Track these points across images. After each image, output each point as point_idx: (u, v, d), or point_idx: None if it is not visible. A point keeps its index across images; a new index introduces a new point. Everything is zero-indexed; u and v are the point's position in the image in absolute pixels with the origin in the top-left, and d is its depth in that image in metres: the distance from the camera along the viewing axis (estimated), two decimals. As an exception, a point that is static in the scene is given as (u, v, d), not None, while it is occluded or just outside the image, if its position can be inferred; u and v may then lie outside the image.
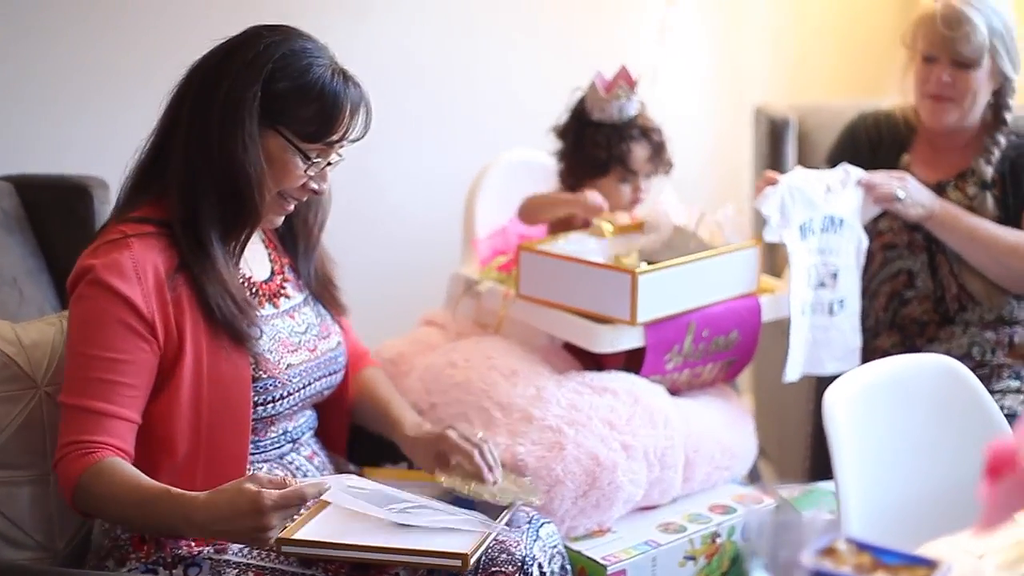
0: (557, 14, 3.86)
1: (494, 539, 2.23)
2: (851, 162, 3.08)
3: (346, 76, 2.26)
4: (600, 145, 2.96)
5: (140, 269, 2.17)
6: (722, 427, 2.81)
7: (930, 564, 1.44)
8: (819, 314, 2.98)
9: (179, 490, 2.08)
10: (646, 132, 2.97)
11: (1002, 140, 3.11)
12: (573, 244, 2.85)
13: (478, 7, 3.74)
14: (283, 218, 2.35)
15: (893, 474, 2.13)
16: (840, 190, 2.97)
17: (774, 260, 3.37)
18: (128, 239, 2.18)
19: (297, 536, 2.15)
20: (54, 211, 2.78)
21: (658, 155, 2.99)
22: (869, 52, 4.32)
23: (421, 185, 3.64)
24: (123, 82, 3.15)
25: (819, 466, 3.27)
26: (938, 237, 3.06)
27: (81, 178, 2.81)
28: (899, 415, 2.18)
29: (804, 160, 3.62)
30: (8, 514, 2.34)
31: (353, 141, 2.29)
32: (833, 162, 3.19)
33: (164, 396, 2.22)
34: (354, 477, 2.25)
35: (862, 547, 1.47)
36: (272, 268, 2.42)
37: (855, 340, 3.03)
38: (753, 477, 2.99)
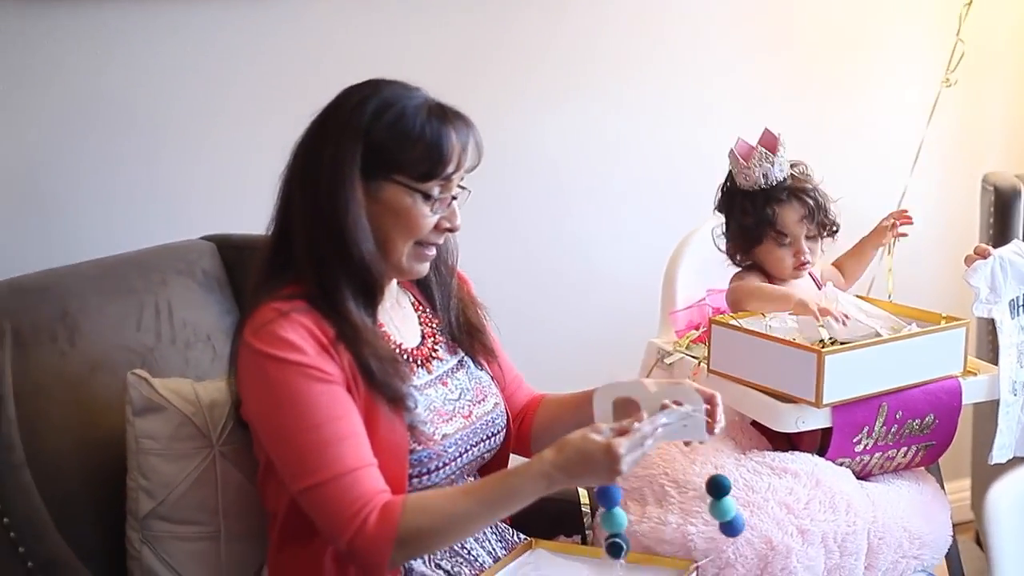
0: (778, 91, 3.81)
1: None
2: None
3: (443, 109, 2.25)
4: (748, 212, 2.89)
5: (306, 339, 2.18)
6: (913, 514, 2.70)
7: None
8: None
9: (511, 468, 2.19)
10: (795, 192, 2.87)
11: None
12: (775, 321, 2.79)
13: (694, 81, 3.72)
14: (427, 266, 2.33)
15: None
16: None
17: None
18: (287, 315, 2.19)
19: None
20: (251, 270, 2.85)
21: (813, 215, 2.88)
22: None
23: (624, 254, 3.63)
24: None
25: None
26: None
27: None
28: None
29: (1032, 231, 3.50)
30: (178, 568, 2.42)
31: (469, 171, 2.27)
32: None
33: None
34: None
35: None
36: (422, 332, 2.42)
37: None
38: (953, 568, 2.87)
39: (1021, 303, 2.81)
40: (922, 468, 2.85)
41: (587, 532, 2.65)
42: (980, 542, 3.76)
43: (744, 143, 2.88)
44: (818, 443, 2.73)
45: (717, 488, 2.23)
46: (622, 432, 2.10)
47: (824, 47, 3.86)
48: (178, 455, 2.42)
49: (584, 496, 2.69)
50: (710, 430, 2.25)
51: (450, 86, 2.32)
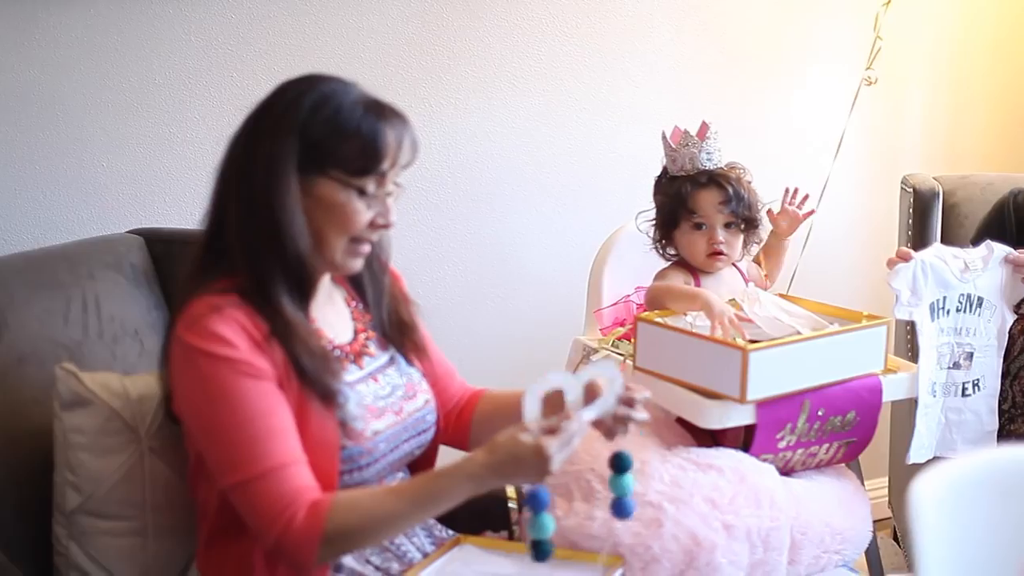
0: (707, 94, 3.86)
1: None
2: (996, 239, 3.01)
3: (380, 105, 2.24)
4: (668, 194, 2.94)
5: (238, 333, 2.18)
6: (834, 509, 2.74)
7: None
8: (952, 396, 2.92)
9: (441, 468, 2.18)
10: (716, 178, 2.92)
11: None
12: (700, 319, 2.82)
13: (620, 81, 3.75)
14: (362, 261, 2.32)
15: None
16: (982, 268, 2.90)
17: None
18: (220, 309, 2.18)
19: None
20: (180, 264, 2.85)
21: (730, 203, 2.92)
22: (1019, 128, 4.25)
23: (551, 251, 3.65)
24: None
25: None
26: None
27: (207, 232, 2.88)
28: (991, 513, 2.07)
29: (949, 232, 3.56)
30: (105, 564, 2.41)
31: (404, 167, 2.27)
32: (979, 238, 3.12)
33: None
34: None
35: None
36: (355, 327, 2.41)
37: (991, 423, 2.95)
38: (872, 563, 2.92)
39: (941, 306, 2.87)
40: (843, 464, 2.90)
41: (514, 528, 2.67)
42: (897, 538, 3.82)
43: (677, 129, 2.94)
44: (741, 439, 2.77)
45: (619, 463, 2.24)
46: (551, 431, 2.12)
47: (749, 47, 3.90)
48: (106, 449, 2.41)
49: (511, 492, 2.71)
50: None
51: (376, 82, 2.32)
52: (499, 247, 3.61)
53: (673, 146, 2.93)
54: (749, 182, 2.97)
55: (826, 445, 2.78)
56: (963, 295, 2.89)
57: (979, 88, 4.25)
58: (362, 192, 2.22)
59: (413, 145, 2.26)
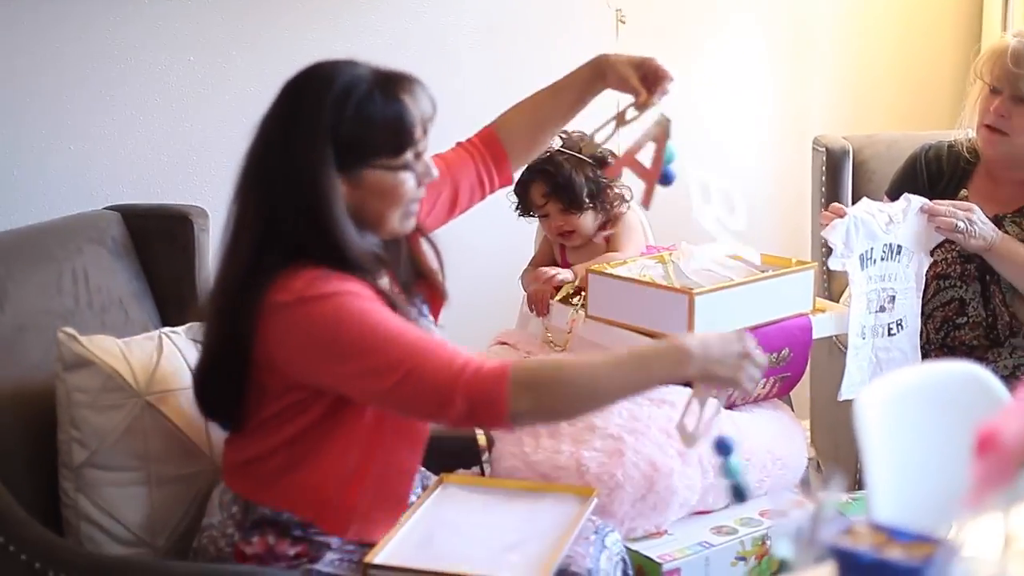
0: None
1: (566, 555, 2.39)
2: (910, 191, 3.23)
3: (390, 80, 2.31)
4: (515, 190, 3.21)
5: (350, 280, 2.26)
6: (774, 438, 2.99)
7: (938, 541, 1.59)
8: (880, 336, 3.14)
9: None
10: (538, 170, 3.14)
11: None
12: (650, 269, 3.04)
13: (528, 70, 3.92)
14: (415, 218, 2.40)
15: (921, 476, 2.28)
16: (902, 219, 3.12)
17: (831, 284, 3.57)
18: (325, 275, 2.25)
19: (381, 561, 2.33)
20: (157, 238, 3.03)
21: (556, 193, 3.14)
22: (924, 85, 4.49)
23: (495, 211, 3.77)
24: (220, 115, 3.37)
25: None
26: (996, 269, 3.19)
27: (182, 207, 3.06)
28: (928, 420, 2.32)
29: (859, 188, 3.79)
30: (113, 512, 2.56)
31: (430, 122, 2.35)
32: (893, 191, 3.35)
33: (349, 410, 2.33)
34: None
35: (878, 528, 1.63)
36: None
37: (915, 358, 3.18)
38: (805, 486, 3.15)
39: (869, 257, 3.09)
40: (778, 399, 3.14)
41: (484, 465, 2.87)
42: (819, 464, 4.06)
43: None
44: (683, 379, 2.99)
45: (722, 448, 2.30)
46: None
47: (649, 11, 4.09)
48: (108, 406, 2.56)
49: (480, 435, 2.89)
50: None
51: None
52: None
53: None
54: (596, 157, 3.17)
55: (764, 380, 3.02)
56: (886, 245, 3.10)
57: (881, 51, 4.47)
58: (405, 166, 2.32)
59: (431, 100, 2.35)
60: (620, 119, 2.54)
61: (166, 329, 2.73)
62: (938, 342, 3.32)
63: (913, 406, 2.33)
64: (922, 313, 3.24)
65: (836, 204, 3.15)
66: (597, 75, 2.62)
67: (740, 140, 4.23)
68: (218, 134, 3.32)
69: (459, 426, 2.23)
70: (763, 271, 3.03)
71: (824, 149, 3.83)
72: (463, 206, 2.70)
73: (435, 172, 2.38)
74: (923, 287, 3.19)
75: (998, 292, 3.24)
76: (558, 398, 2.21)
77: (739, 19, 4.22)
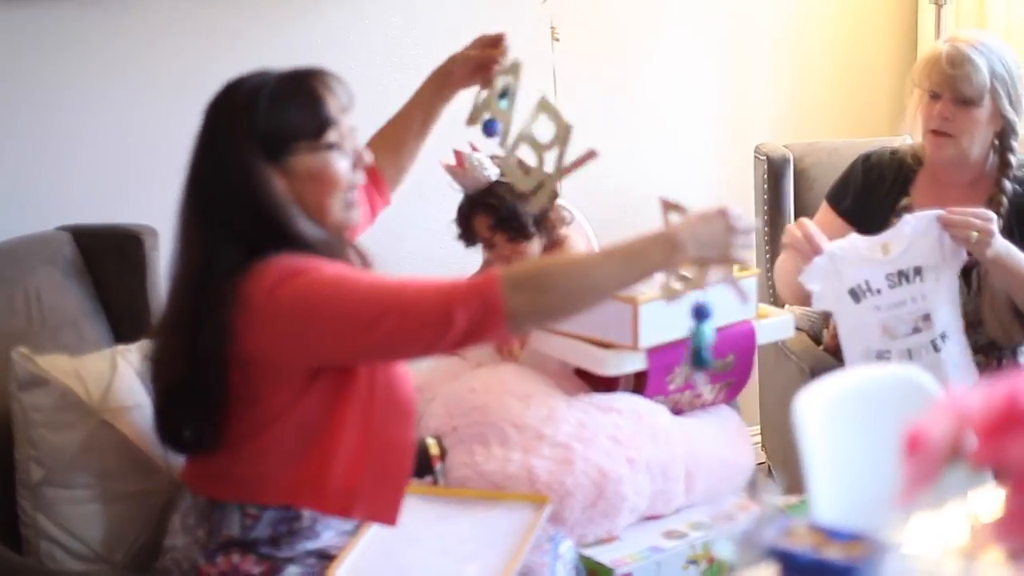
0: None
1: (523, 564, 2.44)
2: (852, 198, 3.32)
3: (296, 71, 2.39)
4: (460, 224, 3.21)
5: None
6: (722, 443, 3.04)
7: (874, 540, 1.63)
8: (927, 354, 3.14)
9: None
10: (481, 202, 3.14)
11: (1008, 187, 3.26)
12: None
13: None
14: (357, 210, 2.45)
15: (860, 477, 2.33)
16: (905, 243, 3.14)
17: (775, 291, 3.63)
18: (270, 260, 2.29)
19: (342, 575, 2.36)
20: (108, 257, 3.04)
21: (502, 225, 3.13)
22: (863, 93, 4.55)
23: (438, 227, 3.76)
24: (170, 135, 3.37)
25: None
26: (992, 271, 3.18)
27: (132, 226, 3.07)
28: (866, 422, 2.37)
29: (801, 196, 3.85)
30: (72, 529, 2.60)
31: (349, 107, 2.40)
32: (834, 197, 3.41)
33: (345, 391, 2.36)
34: None
35: (817, 528, 1.68)
36: None
37: (967, 362, 3.19)
38: (752, 490, 3.20)
39: (866, 288, 3.14)
40: (725, 404, 3.20)
41: (437, 476, 2.91)
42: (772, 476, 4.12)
43: (457, 153, 3.13)
44: (631, 385, 3.06)
45: (700, 312, 2.39)
46: None
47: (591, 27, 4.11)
48: (63, 424, 2.60)
49: (432, 443, 2.93)
50: None
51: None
52: (385, 231, 3.64)
53: (455, 171, 3.15)
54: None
55: (710, 386, 3.08)
56: (891, 274, 3.13)
57: (820, 60, 4.51)
58: (331, 146, 2.37)
59: (343, 84, 2.42)
60: (485, 83, 2.60)
61: (119, 347, 2.77)
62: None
63: (852, 409, 2.38)
64: None
65: (803, 220, 3.20)
66: (441, 77, 2.70)
67: (683, 150, 4.28)
68: (167, 153, 3.32)
69: (462, 345, 2.27)
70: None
71: (765, 157, 3.89)
72: (362, 228, 2.72)
73: (368, 157, 2.43)
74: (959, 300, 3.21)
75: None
76: (552, 292, 2.26)
77: (677, 32, 4.25)
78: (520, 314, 2.22)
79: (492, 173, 3.11)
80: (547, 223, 3.17)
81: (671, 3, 4.24)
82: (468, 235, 3.19)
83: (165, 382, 2.42)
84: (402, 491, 2.43)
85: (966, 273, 3.25)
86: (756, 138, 4.15)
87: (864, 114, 4.52)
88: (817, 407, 2.33)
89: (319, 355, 2.31)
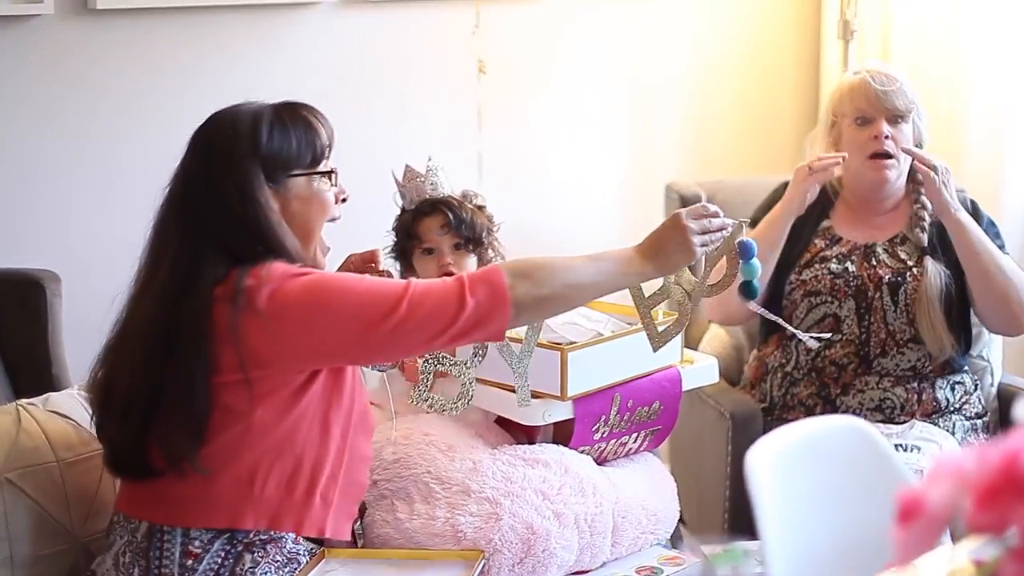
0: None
1: None
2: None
3: (289, 105, 2.50)
4: (399, 228, 3.17)
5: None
6: (648, 493, 2.97)
7: None
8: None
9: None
10: (438, 204, 3.11)
11: (927, 202, 3.32)
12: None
13: (400, 105, 3.89)
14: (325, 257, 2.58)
15: (812, 527, 2.29)
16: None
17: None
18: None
19: None
20: (6, 304, 2.92)
21: (451, 225, 3.10)
22: (769, 130, 4.57)
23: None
24: (73, 179, 3.27)
25: (737, 526, 3.43)
26: (953, 237, 3.26)
27: (34, 271, 2.94)
28: (814, 473, 2.34)
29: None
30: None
31: (332, 145, 2.53)
32: (758, 221, 3.41)
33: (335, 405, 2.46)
34: None
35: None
36: None
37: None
38: (675, 540, 3.14)
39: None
40: (648, 452, 3.13)
41: (356, 534, 2.79)
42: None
43: (407, 167, 3.15)
44: (551, 436, 2.97)
45: (744, 250, 2.60)
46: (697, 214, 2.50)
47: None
48: (-37, 487, 2.47)
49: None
50: None
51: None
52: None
53: (402, 183, 3.14)
54: (480, 206, 3.17)
55: (635, 434, 3.00)
56: (898, 445, 3.15)
57: (725, 99, 4.52)
58: (323, 175, 2.49)
59: (329, 125, 2.53)
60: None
61: (23, 401, 2.63)
62: (806, 367, 3.38)
63: (801, 459, 2.35)
64: (794, 336, 3.24)
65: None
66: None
67: (594, 188, 4.24)
68: (70, 197, 3.23)
69: (465, 335, 2.36)
70: (631, 323, 3.02)
71: (677, 195, 3.86)
72: None
73: (347, 193, 2.55)
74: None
75: (879, 308, 3.32)
76: (549, 282, 2.38)
77: (591, 69, 4.25)
78: (523, 303, 2.34)
79: (444, 188, 3.13)
80: (490, 246, 3.13)
81: (579, 45, 4.25)
82: (407, 238, 3.13)
83: (124, 403, 2.38)
84: (358, 504, 2.59)
85: (893, 291, 3.31)
86: (665, 177, 4.13)
87: (770, 150, 4.53)
88: (767, 459, 2.29)
89: (329, 347, 2.36)
